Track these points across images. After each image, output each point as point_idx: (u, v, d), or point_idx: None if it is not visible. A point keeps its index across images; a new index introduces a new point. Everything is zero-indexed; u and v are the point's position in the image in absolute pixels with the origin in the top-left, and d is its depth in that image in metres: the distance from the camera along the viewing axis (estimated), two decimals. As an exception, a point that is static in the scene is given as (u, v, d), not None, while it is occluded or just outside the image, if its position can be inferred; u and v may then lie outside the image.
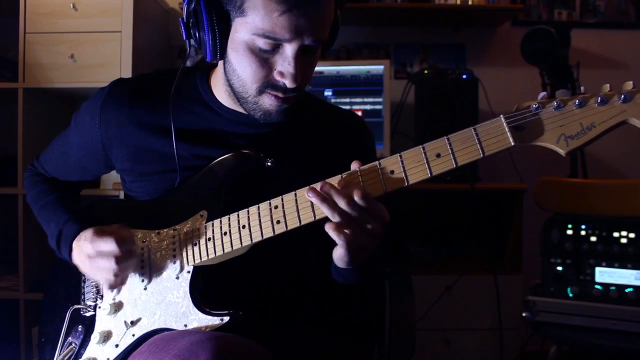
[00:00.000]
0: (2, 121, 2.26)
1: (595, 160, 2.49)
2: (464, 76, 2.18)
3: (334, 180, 0.85)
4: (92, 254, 0.95)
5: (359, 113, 2.22)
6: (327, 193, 0.82)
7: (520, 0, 2.56)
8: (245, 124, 1.01)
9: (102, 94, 1.04)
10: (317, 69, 2.46)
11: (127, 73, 1.92)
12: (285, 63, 0.88)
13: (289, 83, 0.89)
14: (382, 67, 2.25)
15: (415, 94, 2.28)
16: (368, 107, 2.24)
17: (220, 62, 0.98)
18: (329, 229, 0.82)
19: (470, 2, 2.38)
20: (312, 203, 0.85)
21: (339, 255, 0.87)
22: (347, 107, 2.23)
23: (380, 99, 2.23)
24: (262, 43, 0.87)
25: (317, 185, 0.83)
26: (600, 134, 0.72)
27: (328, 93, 2.28)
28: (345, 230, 0.82)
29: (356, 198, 0.80)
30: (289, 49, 0.87)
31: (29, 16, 1.94)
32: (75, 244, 1.00)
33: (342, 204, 0.80)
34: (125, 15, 1.92)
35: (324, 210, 0.82)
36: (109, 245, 0.93)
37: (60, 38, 1.94)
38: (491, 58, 2.59)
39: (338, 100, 2.27)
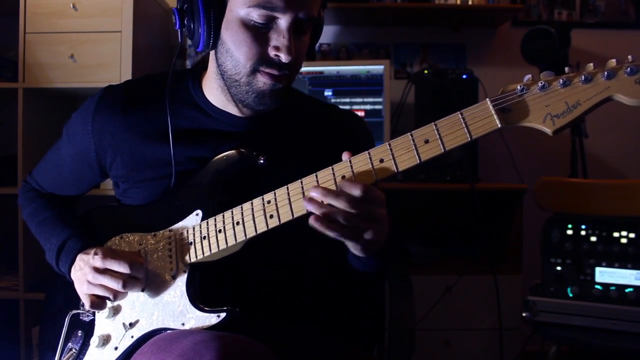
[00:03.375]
0: (2, 121, 2.26)
1: (595, 160, 2.49)
2: (464, 76, 2.17)
3: (326, 173, 0.84)
4: (99, 268, 0.94)
5: (360, 113, 2.23)
6: (324, 196, 0.80)
7: (520, 0, 2.56)
8: (237, 125, 1.01)
9: (92, 103, 1.04)
10: (317, 69, 2.48)
11: (127, 73, 1.92)
12: (280, 37, 0.89)
13: (284, 56, 0.89)
14: (382, 67, 2.25)
15: (415, 94, 2.27)
16: (368, 107, 2.24)
17: (212, 55, 0.98)
18: (314, 223, 0.80)
19: (470, 2, 2.38)
20: (303, 196, 0.85)
21: (351, 246, 0.87)
22: (347, 107, 2.23)
23: (380, 99, 2.23)
24: (256, 16, 0.87)
25: (312, 192, 0.82)
26: (586, 111, 0.73)
27: (328, 93, 2.28)
28: (344, 227, 0.81)
29: (357, 194, 0.80)
30: (283, 22, 0.88)
31: (29, 16, 1.94)
32: (79, 257, 0.99)
33: (342, 204, 0.80)
34: (125, 15, 1.92)
35: (318, 213, 0.81)
36: (122, 267, 0.93)
37: (60, 38, 1.94)
38: (491, 58, 2.59)
39: (338, 100, 2.27)
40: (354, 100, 2.26)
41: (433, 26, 2.57)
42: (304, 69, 2.19)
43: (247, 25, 0.89)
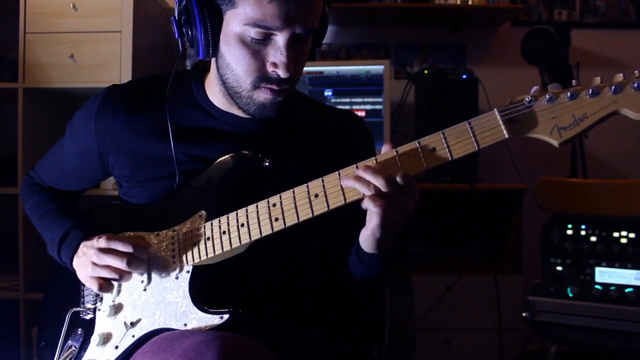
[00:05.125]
0: (2, 121, 2.26)
1: (595, 160, 2.49)
2: (464, 76, 2.17)
3: (332, 177, 0.85)
4: (103, 248, 0.95)
5: (360, 113, 2.23)
6: (363, 172, 0.81)
7: (520, 0, 2.56)
8: (241, 126, 1.01)
9: (95, 102, 1.04)
10: (317, 69, 2.48)
11: (127, 73, 1.92)
12: (277, 53, 0.88)
13: (282, 73, 0.89)
14: (382, 67, 2.25)
15: (415, 94, 2.27)
16: (368, 107, 2.24)
17: (213, 61, 0.98)
18: (365, 201, 0.81)
19: (470, 2, 2.38)
20: (309, 200, 0.86)
21: (370, 229, 0.86)
22: (347, 107, 2.23)
23: (380, 99, 2.23)
24: (253, 33, 0.87)
25: (353, 171, 0.84)
26: (593, 124, 0.75)
27: (328, 93, 2.28)
28: (382, 201, 0.81)
29: (398, 178, 0.80)
30: (280, 39, 0.88)
31: (29, 16, 1.94)
32: (82, 245, 1.00)
33: (380, 183, 0.80)
34: (125, 15, 1.92)
35: (358, 188, 0.82)
36: (126, 247, 0.94)
37: (60, 38, 1.93)
38: (491, 58, 2.59)
39: (338, 100, 2.27)
40: (354, 100, 2.26)
41: (433, 26, 2.57)
42: (304, 69, 2.21)
43: (245, 42, 0.89)
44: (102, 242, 0.96)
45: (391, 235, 0.88)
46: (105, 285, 0.97)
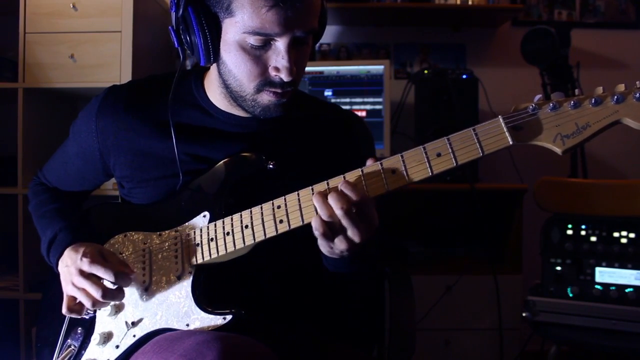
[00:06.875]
0: (2, 121, 2.26)
1: (595, 160, 2.49)
2: (464, 76, 2.18)
3: (337, 181, 0.85)
4: (85, 272, 0.94)
5: (361, 113, 2.23)
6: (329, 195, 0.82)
7: (520, 0, 2.56)
8: (241, 126, 1.01)
9: (96, 103, 1.04)
10: (317, 69, 2.48)
11: (127, 73, 1.92)
12: (279, 58, 0.88)
13: (285, 77, 0.89)
14: (382, 67, 2.25)
15: (415, 94, 2.28)
16: (368, 107, 2.25)
17: (214, 65, 0.98)
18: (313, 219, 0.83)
19: (470, 2, 2.38)
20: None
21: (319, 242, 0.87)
22: (347, 107, 2.23)
23: (380, 99, 2.23)
24: (253, 40, 0.87)
25: (323, 188, 0.85)
26: (595, 133, 0.76)
27: (328, 93, 2.28)
28: (324, 229, 0.82)
29: (340, 211, 0.81)
30: (280, 44, 0.88)
31: (29, 16, 1.94)
32: (67, 252, 0.99)
33: (337, 208, 0.81)
34: (125, 15, 1.92)
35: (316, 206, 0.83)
36: (107, 274, 0.93)
37: (60, 38, 1.93)
38: (491, 58, 2.59)
39: (338, 100, 2.27)
40: (354, 100, 2.26)
41: (433, 26, 2.57)
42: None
43: (245, 49, 0.89)
44: (84, 265, 0.94)
45: (339, 254, 0.88)
46: (74, 309, 0.97)
